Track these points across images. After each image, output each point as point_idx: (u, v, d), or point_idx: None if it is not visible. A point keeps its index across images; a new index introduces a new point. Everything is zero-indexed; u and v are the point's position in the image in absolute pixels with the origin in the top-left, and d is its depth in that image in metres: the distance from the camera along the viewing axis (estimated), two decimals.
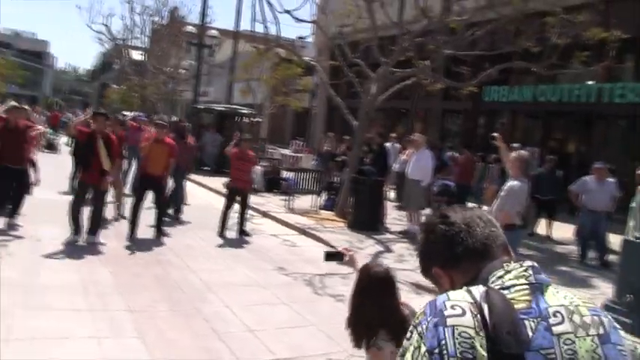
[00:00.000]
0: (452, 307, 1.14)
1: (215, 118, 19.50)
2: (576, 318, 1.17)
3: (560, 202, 10.93)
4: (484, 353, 1.08)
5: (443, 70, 15.11)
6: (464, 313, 1.13)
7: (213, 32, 21.28)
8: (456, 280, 1.29)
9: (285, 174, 15.98)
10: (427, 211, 10.42)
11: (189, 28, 21.19)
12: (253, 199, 13.12)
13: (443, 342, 1.10)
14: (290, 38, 22.50)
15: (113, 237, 8.40)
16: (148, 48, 28.13)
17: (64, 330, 4.76)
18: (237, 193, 9.59)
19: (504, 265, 1.24)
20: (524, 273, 1.22)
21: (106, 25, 27.17)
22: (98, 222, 8.08)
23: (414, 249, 9.28)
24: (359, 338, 2.72)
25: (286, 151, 24.35)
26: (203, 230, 9.68)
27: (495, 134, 6.91)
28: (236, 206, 9.55)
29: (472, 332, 1.10)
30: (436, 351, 1.10)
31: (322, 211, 12.22)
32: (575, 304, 1.20)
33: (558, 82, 15.39)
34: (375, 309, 2.68)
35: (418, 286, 7.18)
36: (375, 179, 10.38)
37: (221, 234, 9.33)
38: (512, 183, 6.23)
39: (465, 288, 1.20)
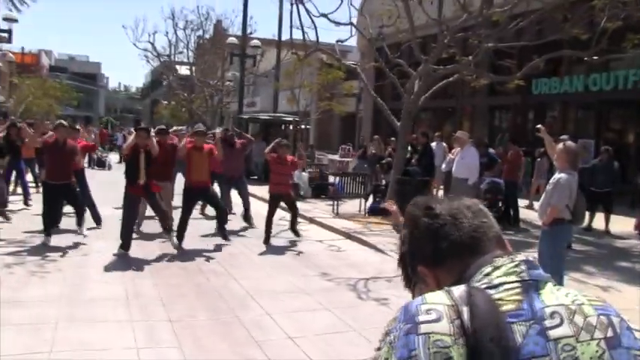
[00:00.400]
0: (427, 311, 0.98)
1: (260, 127, 19.64)
2: (579, 319, 0.99)
3: (619, 194, 10.38)
4: None
5: (487, 65, 14.72)
6: (439, 319, 0.96)
7: (255, 42, 21.47)
8: (442, 280, 1.11)
9: (331, 179, 15.89)
10: None
11: (231, 40, 21.43)
12: (300, 206, 13.10)
13: (414, 352, 0.94)
14: (331, 43, 22.46)
15: (158, 249, 8.50)
16: (193, 62, 28.66)
17: (105, 341, 4.79)
18: (279, 199, 9.56)
19: (494, 260, 1.07)
20: (516, 269, 1.04)
21: (151, 43, 27.86)
22: (165, 224, 8.40)
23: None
24: (409, 278, 2.64)
25: (335, 157, 24.33)
26: (248, 238, 9.70)
27: (539, 126, 6.59)
28: (283, 213, 9.53)
29: (448, 340, 0.94)
30: None
31: (369, 215, 12.05)
32: (579, 302, 1.02)
33: (611, 69, 14.70)
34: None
35: None
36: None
37: (266, 241, 9.29)
38: (558, 176, 5.91)
39: (445, 288, 1.03)
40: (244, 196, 10.99)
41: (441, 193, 13.01)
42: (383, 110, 11.93)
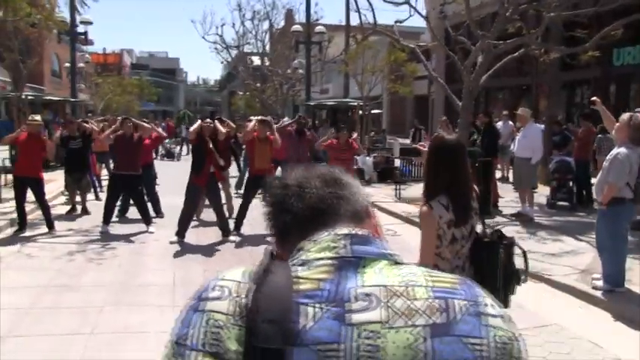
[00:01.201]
0: (215, 288, 0.88)
1: (327, 113, 19.62)
2: (399, 303, 0.83)
3: None
4: (234, 347, 0.80)
5: (559, 38, 13.85)
6: (221, 297, 0.86)
7: (320, 28, 21.38)
8: (286, 258, 0.97)
9: (397, 163, 15.64)
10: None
11: (296, 27, 21.47)
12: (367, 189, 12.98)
13: (191, 331, 0.84)
14: (409, 25, 21.93)
15: (215, 236, 8.62)
16: (262, 52, 29.00)
17: (143, 325, 4.92)
18: None
19: (318, 234, 0.93)
20: (333, 244, 0.90)
21: (219, 35, 28.42)
22: (225, 221, 8.49)
23: (527, 232, 8.56)
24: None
25: (406, 141, 23.90)
26: None
27: (594, 98, 6.08)
28: None
29: (224, 320, 0.83)
30: (181, 341, 0.84)
31: None
32: (412, 283, 0.86)
33: None
34: (446, 174, 2.99)
35: (521, 271, 6.54)
36: (479, 160, 9.69)
37: None
38: (616, 150, 5.43)
39: (247, 266, 0.92)
40: None
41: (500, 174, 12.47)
42: (444, 90, 11.51)
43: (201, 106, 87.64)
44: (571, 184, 10.16)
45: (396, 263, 0.91)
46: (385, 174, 14.83)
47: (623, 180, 5.38)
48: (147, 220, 8.95)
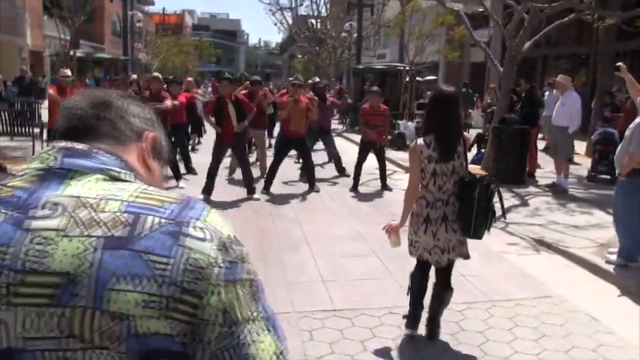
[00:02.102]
0: None
1: (375, 77, 19.37)
2: (84, 213, 0.83)
3: None
4: None
5: (618, 2, 13.04)
6: None
7: None
8: None
9: None
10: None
11: None
12: (403, 155, 12.86)
13: None
14: None
15: (243, 193, 8.78)
16: (317, 15, 28.74)
17: None
18: (370, 147, 9.46)
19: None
20: (47, 156, 0.91)
21: None
22: (249, 179, 8.58)
23: (557, 203, 8.29)
24: None
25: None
26: (339, 186, 9.73)
27: (620, 64, 5.75)
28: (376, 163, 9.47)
29: None
30: None
31: (472, 166, 11.48)
32: (111, 197, 0.86)
33: None
34: (436, 118, 3.69)
35: (539, 242, 6.42)
36: (517, 127, 9.38)
37: (354, 189, 9.35)
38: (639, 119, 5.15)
39: None
40: (332, 148, 11.03)
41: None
42: (486, 55, 11.12)
43: (262, 68, 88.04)
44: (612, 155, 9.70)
45: (115, 180, 0.91)
46: None
47: None
48: (176, 175, 9.27)
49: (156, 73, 10.27)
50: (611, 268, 5.39)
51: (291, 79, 13.84)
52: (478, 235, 3.78)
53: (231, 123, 8.34)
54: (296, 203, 8.40)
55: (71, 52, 15.10)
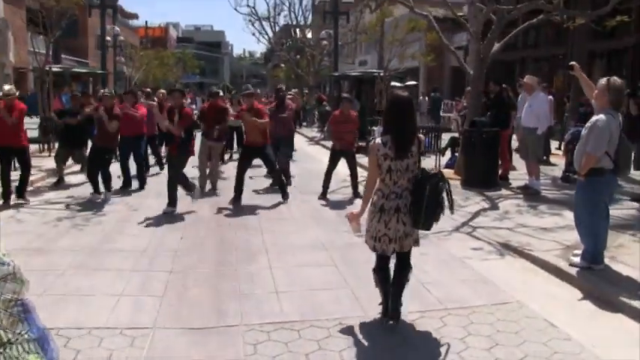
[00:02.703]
0: None
1: (353, 84, 19.29)
2: None
3: None
4: None
5: (588, 3, 13.06)
6: None
7: None
8: None
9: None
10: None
11: None
12: None
13: None
14: None
15: (208, 206, 8.60)
16: (295, 24, 28.68)
17: (95, 288, 4.94)
18: (340, 155, 9.32)
19: None
20: None
21: (250, 7, 28.33)
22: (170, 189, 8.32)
23: (528, 205, 8.17)
24: None
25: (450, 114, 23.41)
26: (307, 194, 9.55)
27: (573, 63, 5.65)
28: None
29: None
30: None
31: (445, 170, 11.35)
32: None
33: None
34: (392, 120, 4.09)
35: (504, 246, 6.27)
36: (486, 130, 9.28)
37: (323, 196, 9.18)
38: (595, 117, 5.04)
39: None
40: (284, 155, 10.59)
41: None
42: (455, 58, 11.04)
43: (247, 78, 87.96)
44: None
45: None
46: None
47: (603, 149, 5.00)
48: (108, 186, 9.14)
49: (105, 90, 10.19)
50: (574, 271, 5.25)
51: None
52: (427, 227, 4.09)
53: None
54: (262, 212, 8.22)
55: (47, 67, 14.82)
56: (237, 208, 8.45)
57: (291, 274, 5.42)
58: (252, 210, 8.35)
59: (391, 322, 4.14)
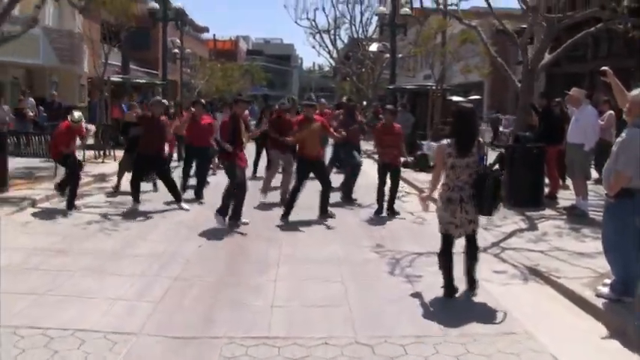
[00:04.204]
0: None
1: (407, 97, 18.94)
2: None
3: None
4: None
5: None
6: None
7: (406, 10, 20.55)
8: None
9: None
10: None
11: (380, 9, 20.82)
12: (424, 177, 12.39)
13: None
14: (509, 7, 20.36)
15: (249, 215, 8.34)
16: (357, 37, 28.59)
17: (98, 291, 4.97)
18: (386, 168, 9.06)
19: None
20: None
21: (309, 19, 28.59)
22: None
23: (569, 227, 7.62)
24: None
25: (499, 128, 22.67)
26: (344, 207, 9.35)
27: (605, 68, 5.17)
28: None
29: None
30: None
31: None
32: None
33: None
34: (455, 126, 5.00)
35: (531, 270, 5.84)
36: (530, 146, 8.79)
37: (378, 213, 8.92)
38: (627, 132, 4.58)
39: None
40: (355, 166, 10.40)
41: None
42: (502, 70, 10.56)
43: (315, 91, 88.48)
44: None
45: None
46: None
47: (634, 168, 4.53)
48: (176, 197, 8.99)
49: (158, 98, 10.17)
50: (600, 302, 4.78)
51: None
52: (489, 214, 5.04)
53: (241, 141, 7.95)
54: (293, 225, 8.00)
55: (105, 77, 15.46)
56: (268, 219, 8.31)
57: (294, 288, 5.25)
58: (287, 226, 8.07)
59: (470, 293, 5.07)
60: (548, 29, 9.32)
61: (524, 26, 12.36)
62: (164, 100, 10.72)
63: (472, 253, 5.13)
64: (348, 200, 9.92)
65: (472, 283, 5.13)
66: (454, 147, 4.86)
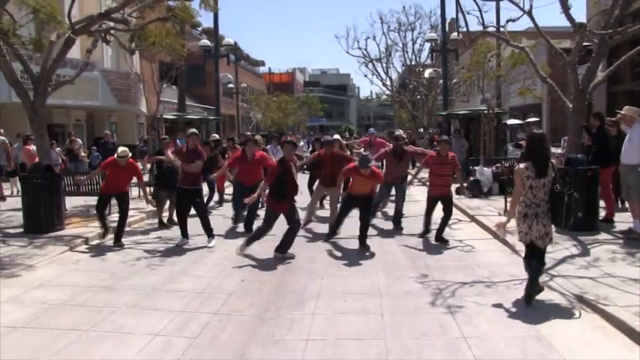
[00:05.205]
0: None
1: (460, 122, 18.71)
2: None
3: None
4: None
5: None
6: None
7: (454, 35, 20.42)
8: None
9: None
10: None
11: (430, 35, 20.77)
12: (475, 203, 12.16)
13: None
14: (563, 25, 19.82)
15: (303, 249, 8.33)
16: (409, 64, 28.58)
17: (137, 327, 5.10)
18: (436, 200, 9.00)
19: None
20: None
21: (360, 48, 28.90)
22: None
23: (625, 252, 7.24)
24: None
25: (557, 150, 21.87)
26: (389, 236, 9.30)
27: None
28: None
29: None
30: None
31: None
32: None
33: None
34: (530, 151, 5.57)
35: (578, 298, 5.58)
36: (581, 169, 8.46)
37: (423, 235, 9.20)
38: None
39: None
40: (400, 198, 10.36)
41: None
42: (553, 92, 10.27)
43: (374, 120, 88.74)
44: None
45: None
46: (509, 185, 13.63)
47: None
48: (208, 232, 8.96)
49: (193, 129, 10.12)
50: None
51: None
52: (565, 225, 6.40)
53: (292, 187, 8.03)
54: (336, 255, 8.06)
55: (158, 115, 16.10)
56: (311, 252, 8.34)
57: (331, 321, 5.23)
58: (326, 254, 8.16)
59: (527, 303, 5.47)
60: (599, 47, 9.03)
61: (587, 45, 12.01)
62: (215, 135, 11.03)
63: (536, 267, 5.55)
64: (397, 226, 9.92)
65: (529, 297, 5.51)
66: (531, 169, 5.41)
